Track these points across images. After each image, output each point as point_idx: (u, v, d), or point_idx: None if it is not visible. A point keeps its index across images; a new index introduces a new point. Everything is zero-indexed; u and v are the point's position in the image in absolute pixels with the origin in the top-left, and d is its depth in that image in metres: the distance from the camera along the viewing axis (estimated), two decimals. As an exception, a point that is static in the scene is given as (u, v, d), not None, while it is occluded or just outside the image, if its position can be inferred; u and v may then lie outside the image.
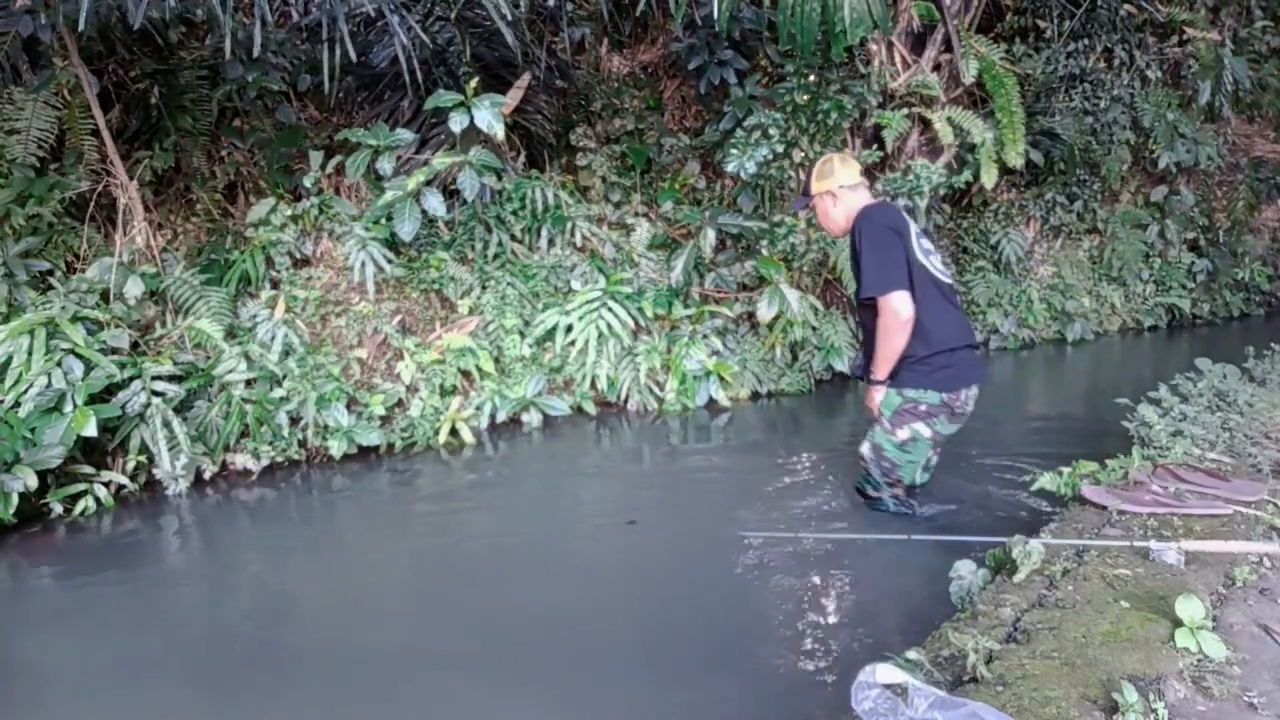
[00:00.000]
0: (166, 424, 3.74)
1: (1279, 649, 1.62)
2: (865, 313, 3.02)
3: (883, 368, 2.94)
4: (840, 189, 3.04)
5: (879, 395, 3.03)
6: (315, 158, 4.70)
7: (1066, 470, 2.76)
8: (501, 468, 4.21)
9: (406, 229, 4.40)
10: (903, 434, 3.00)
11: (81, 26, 3.08)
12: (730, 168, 5.02)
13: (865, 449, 3.15)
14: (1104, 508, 2.36)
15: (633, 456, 4.27)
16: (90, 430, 3.41)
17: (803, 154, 5.13)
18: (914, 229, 3.00)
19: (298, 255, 4.58)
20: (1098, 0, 6.56)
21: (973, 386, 2.99)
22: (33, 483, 3.30)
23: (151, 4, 3.22)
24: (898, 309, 2.81)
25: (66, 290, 3.93)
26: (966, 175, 5.62)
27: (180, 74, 4.59)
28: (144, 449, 3.73)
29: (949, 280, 3.03)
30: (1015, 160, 5.64)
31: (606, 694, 2.24)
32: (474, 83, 4.44)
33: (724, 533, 3.20)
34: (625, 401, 4.89)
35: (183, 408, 3.90)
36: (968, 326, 3.08)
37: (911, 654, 1.63)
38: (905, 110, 5.54)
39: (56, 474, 3.50)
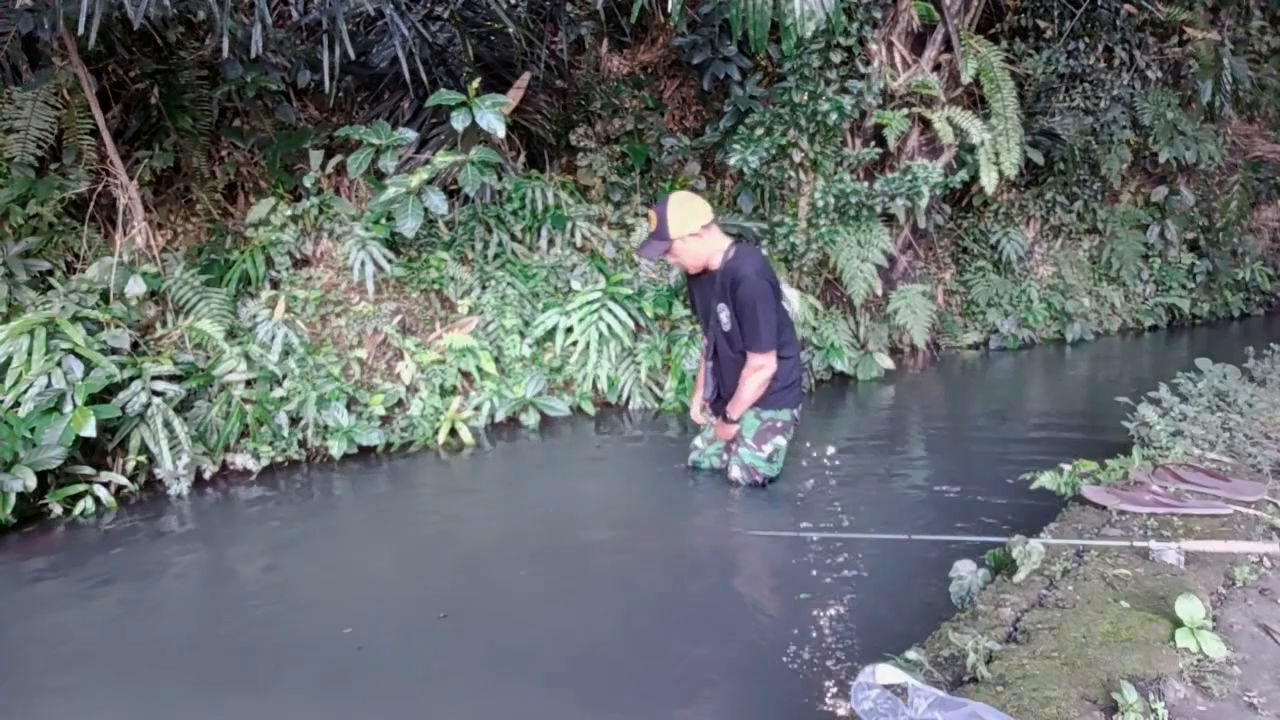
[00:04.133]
0: (167, 424, 3.74)
1: (1279, 649, 1.62)
2: (732, 352, 3.29)
3: (741, 409, 3.31)
4: (702, 229, 3.16)
5: (733, 430, 3.41)
6: (315, 157, 4.70)
7: (1066, 470, 2.76)
8: (502, 468, 4.21)
9: (409, 226, 4.39)
10: (768, 449, 3.40)
11: (81, 30, 3.08)
12: (733, 161, 5.02)
13: (736, 474, 3.46)
14: (1104, 508, 2.36)
15: (631, 456, 4.27)
16: (90, 430, 3.41)
17: (802, 154, 5.13)
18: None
19: (298, 255, 4.58)
20: (1098, 0, 6.56)
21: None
22: (31, 483, 3.30)
23: (151, 4, 3.21)
24: (770, 364, 3.20)
25: (66, 290, 3.93)
26: (962, 175, 5.62)
27: (180, 74, 4.58)
28: (144, 449, 3.72)
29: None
30: (1009, 170, 5.65)
31: (603, 692, 2.24)
32: (475, 83, 4.44)
33: (723, 531, 3.20)
34: (625, 402, 4.89)
35: (183, 408, 3.89)
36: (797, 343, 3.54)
37: (911, 654, 1.63)
38: (905, 110, 5.54)
39: (56, 474, 3.50)
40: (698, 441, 3.76)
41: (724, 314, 3.26)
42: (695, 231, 3.13)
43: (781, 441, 3.42)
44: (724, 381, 3.44)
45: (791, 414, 3.42)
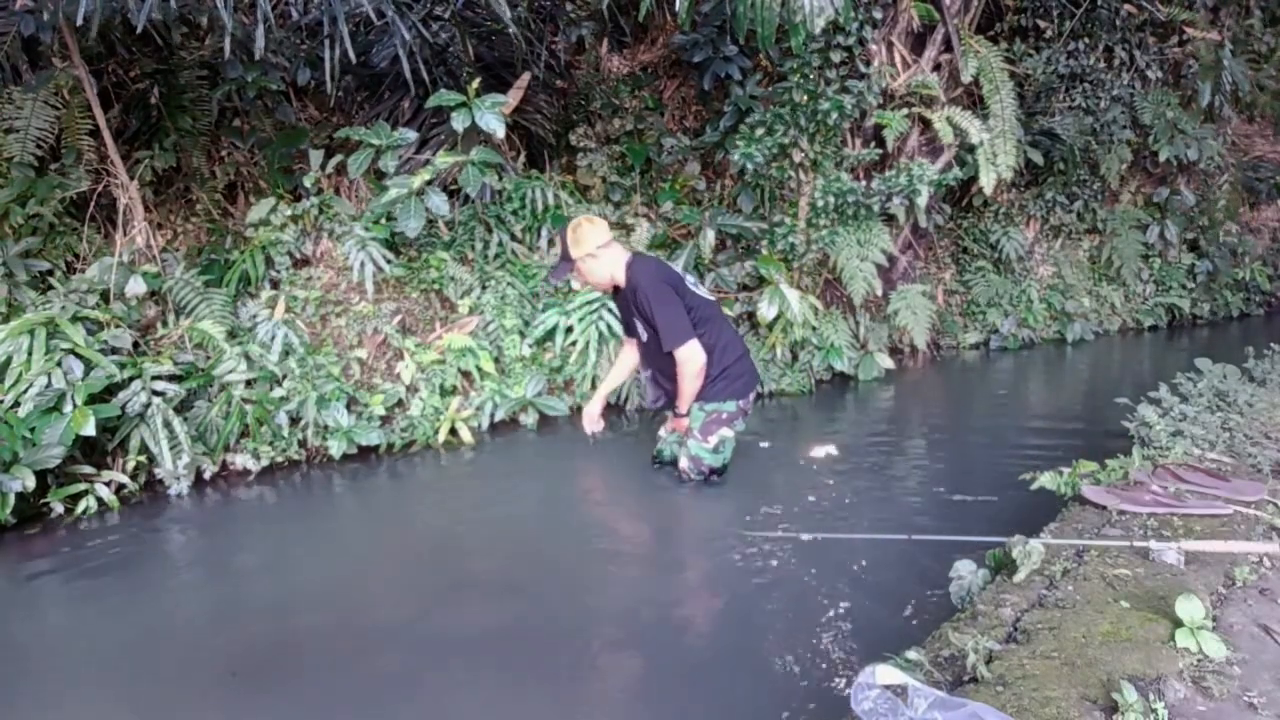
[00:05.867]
0: (167, 424, 3.74)
1: (1279, 649, 1.62)
2: (662, 358, 3.40)
3: (687, 403, 3.44)
4: (598, 249, 3.34)
5: (685, 422, 3.52)
6: (315, 157, 4.70)
7: (1066, 470, 2.77)
8: (502, 468, 4.21)
9: (411, 226, 4.39)
10: (713, 440, 3.51)
11: (80, 21, 3.07)
12: (736, 158, 5.01)
13: (684, 463, 3.60)
14: (1104, 508, 2.36)
15: (630, 456, 4.27)
16: (89, 430, 3.41)
17: (802, 154, 5.13)
18: (679, 270, 3.55)
19: (298, 255, 4.58)
20: (1098, 0, 6.56)
21: (755, 386, 3.60)
22: (31, 483, 3.30)
23: (154, 6, 3.21)
24: (693, 356, 3.29)
25: (66, 290, 3.93)
26: (957, 172, 5.62)
27: (180, 74, 4.58)
28: (144, 449, 3.72)
29: (716, 299, 3.64)
30: (1006, 172, 5.65)
31: (605, 693, 2.24)
32: (475, 83, 4.44)
33: (724, 532, 3.20)
34: (624, 402, 4.89)
35: (183, 408, 3.89)
36: (740, 336, 3.74)
37: (911, 654, 1.63)
38: (905, 110, 5.53)
39: (56, 474, 3.50)
40: (661, 432, 3.88)
41: (639, 324, 3.45)
42: (591, 252, 3.33)
43: (728, 433, 3.53)
44: (667, 385, 3.57)
45: (737, 404, 3.49)
